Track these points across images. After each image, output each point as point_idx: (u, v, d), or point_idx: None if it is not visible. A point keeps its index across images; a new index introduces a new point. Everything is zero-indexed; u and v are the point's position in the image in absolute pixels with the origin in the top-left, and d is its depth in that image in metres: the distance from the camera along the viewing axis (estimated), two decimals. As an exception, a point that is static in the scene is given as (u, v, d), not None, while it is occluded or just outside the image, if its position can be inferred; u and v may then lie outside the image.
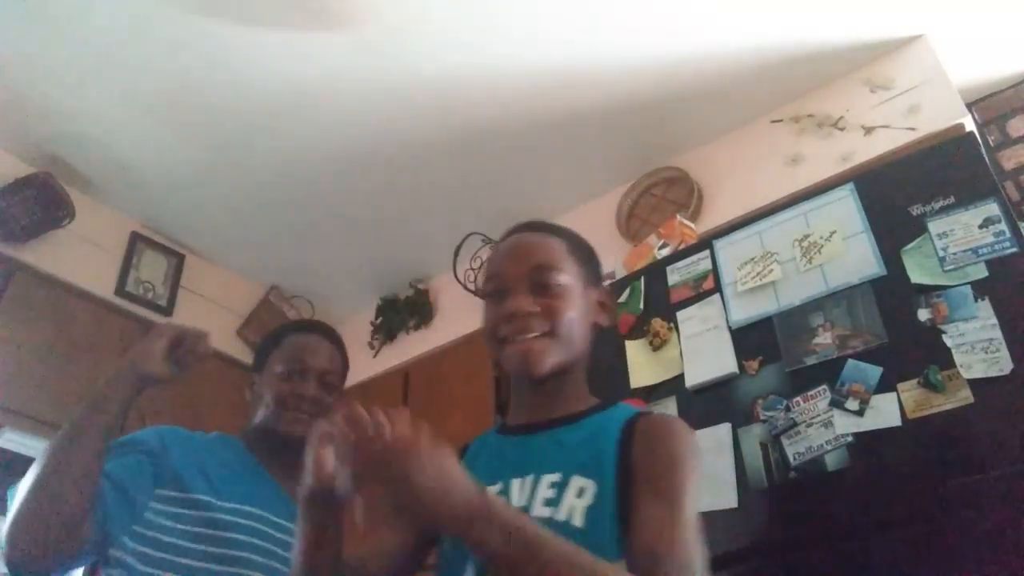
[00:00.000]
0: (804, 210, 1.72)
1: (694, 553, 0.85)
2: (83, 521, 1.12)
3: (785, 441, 1.48)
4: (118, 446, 1.24)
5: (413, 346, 3.26)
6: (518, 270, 1.06)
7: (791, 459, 1.46)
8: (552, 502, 0.92)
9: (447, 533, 0.92)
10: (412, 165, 2.81)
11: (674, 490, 0.89)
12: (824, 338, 1.53)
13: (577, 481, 0.93)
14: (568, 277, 1.06)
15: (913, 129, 2.26)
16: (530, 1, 2.23)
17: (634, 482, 0.91)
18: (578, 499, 0.91)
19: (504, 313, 1.03)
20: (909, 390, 1.38)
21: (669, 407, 1.69)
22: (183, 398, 2.59)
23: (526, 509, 0.92)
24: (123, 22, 2.24)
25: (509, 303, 1.03)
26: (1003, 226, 1.43)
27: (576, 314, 1.05)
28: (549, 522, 0.88)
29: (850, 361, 1.47)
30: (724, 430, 1.57)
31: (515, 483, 0.97)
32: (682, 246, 2.06)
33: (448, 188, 2.93)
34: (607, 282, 2.05)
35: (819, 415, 1.46)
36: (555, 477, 0.94)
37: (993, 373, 1.32)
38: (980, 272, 1.41)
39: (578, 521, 0.89)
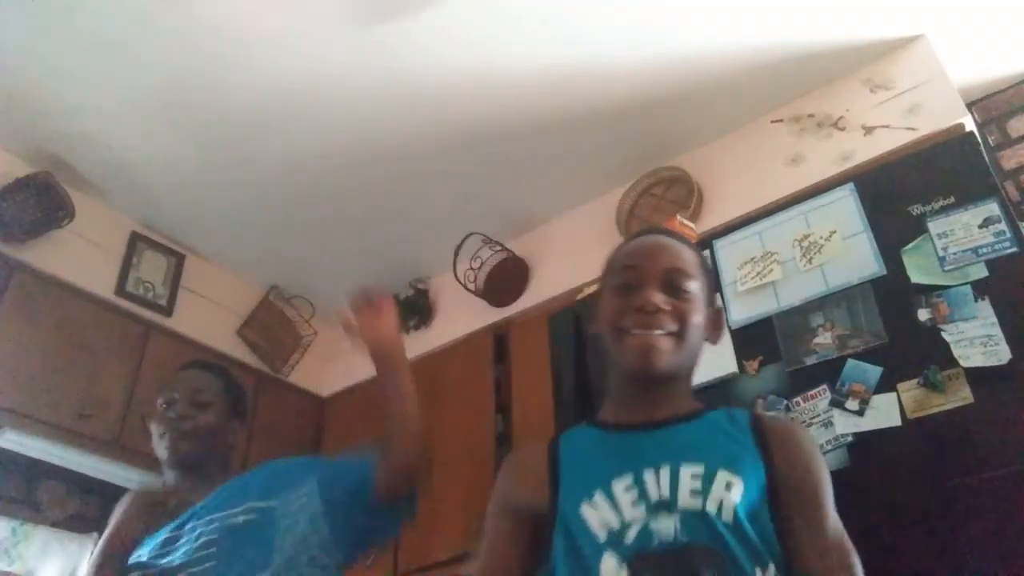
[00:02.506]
0: (804, 210, 1.72)
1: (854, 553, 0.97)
2: None
3: (785, 441, 1.48)
4: None
5: (413, 346, 3.26)
6: (654, 267, 1.07)
7: (791, 459, 1.46)
8: (698, 493, 0.93)
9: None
10: (412, 165, 2.81)
11: (830, 506, 1.00)
12: (824, 338, 1.53)
13: (724, 475, 0.94)
14: (697, 286, 1.08)
15: (913, 129, 2.26)
16: (530, 1, 2.23)
17: (785, 490, 0.97)
18: (727, 492, 0.93)
19: (635, 304, 1.04)
20: (909, 390, 1.38)
21: (669, 407, 1.69)
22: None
23: (670, 500, 0.93)
24: (123, 21, 2.24)
25: (641, 296, 1.04)
26: (1003, 226, 1.43)
27: (700, 321, 1.07)
28: (698, 514, 0.91)
29: (850, 361, 1.47)
30: (724, 430, 1.57)
31: (648, 474, 0.96)
32: (682, 246, 2.06)
33: (448, 188, 2.93)
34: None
35: (819, 415, 1.46)
36: (698, 468, 0.95)
37: (991, 363, 1.32)
38: (980, 272, 1.41)
39: (727, 516, 0.91)
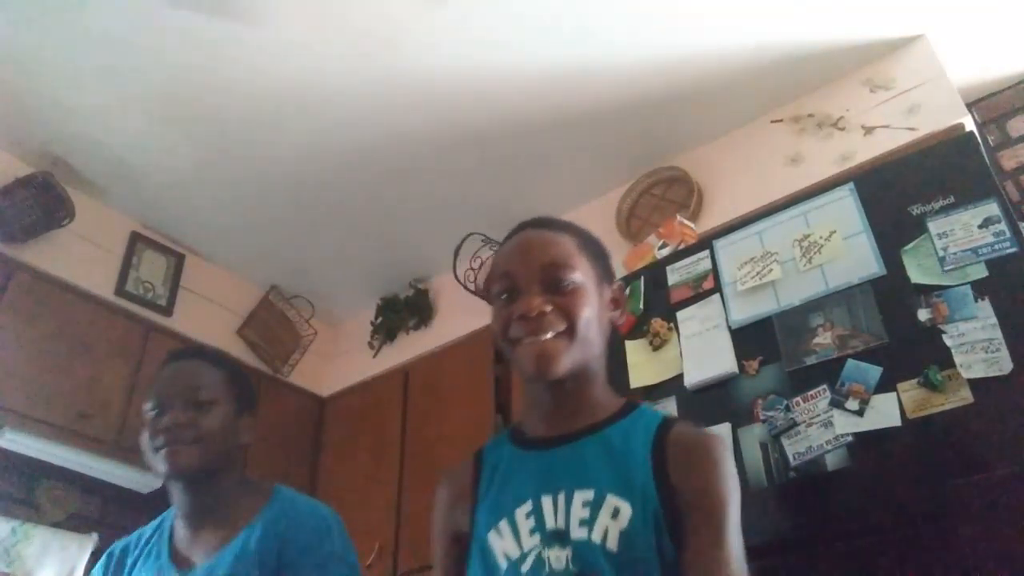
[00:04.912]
0: (804, 210, 1.72)
1: None
2: None
3: (785, 441, 1.48)
4: None
5: (413, 346, 3.26)
6: (529, 268, 1.01)
7: (791, 459, 1.46)
8: (586, 522, 0.91)
9: None
10: (412, 165, 2.81)
11: (723, 528, 0.90)
12: (824, 338, 1.53)
13: (612, 500, 0.91)
14: (581, 274, 1.02)
15: (913, 129, 2.26)
16: (529, 1, 2.23)
17: (679, 511, 0.90)
18: (612, 520, 0.90)
19: (516, 313, 0.98)
20: (909, 390, 1.38)
21: (669, 407, 1.69)
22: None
23: (564, 530, 0.91)
24: (123, 22, 2.24)
25: (521, 303, 0.98)
26: (1003, 226, 1.42)
27: (592, 312, 1.01)
28: (586, 544, 0.89)
29: (850, 361, 1.47)
30: (724, 430, 1.57)
31: (546, 501, 0.94)
32: (682, 246, 2.06)
33: (448, 188, 2.93)
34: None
35: (819, 415, 1.46)
36: (588, 494, 0.93)
37: (993, 373, 1.32)
38: (980, 272, 1.41)
39: (612, 544, 0.88)
